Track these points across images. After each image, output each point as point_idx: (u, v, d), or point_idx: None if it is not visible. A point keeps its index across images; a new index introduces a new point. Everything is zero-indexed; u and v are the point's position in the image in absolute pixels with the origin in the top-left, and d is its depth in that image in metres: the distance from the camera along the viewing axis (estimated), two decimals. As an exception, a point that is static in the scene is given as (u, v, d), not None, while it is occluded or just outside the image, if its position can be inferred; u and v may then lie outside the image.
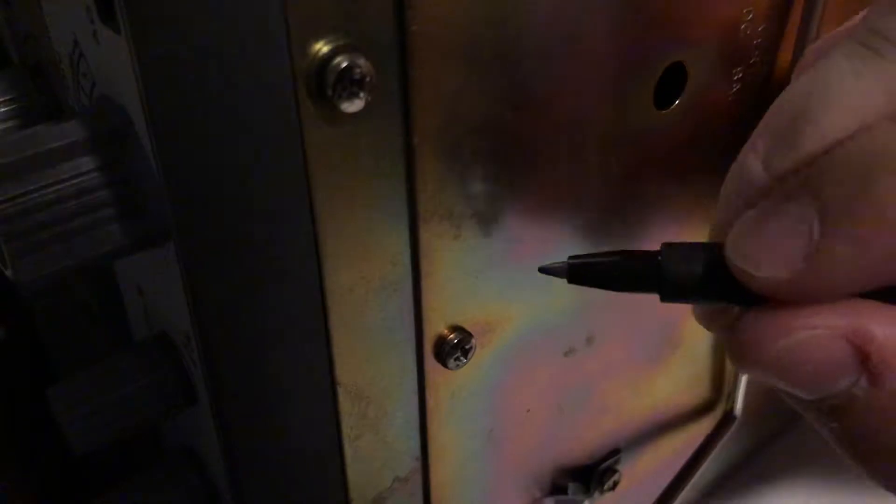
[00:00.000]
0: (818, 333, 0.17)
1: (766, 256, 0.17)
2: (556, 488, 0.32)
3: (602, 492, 0.33)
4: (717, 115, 0.27)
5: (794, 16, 0.27)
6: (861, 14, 0.22)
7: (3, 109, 0.27)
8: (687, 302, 0.20)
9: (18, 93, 0.27)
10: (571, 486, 0.33)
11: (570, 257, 0.21)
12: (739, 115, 0.28)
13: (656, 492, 0.37)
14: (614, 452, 0.34)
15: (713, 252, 0.18)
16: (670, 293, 0.19)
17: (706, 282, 0.19)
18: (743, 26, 0.26)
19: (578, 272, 0.20)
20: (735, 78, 0.27)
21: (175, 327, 0.23)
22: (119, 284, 0.28)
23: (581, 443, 0.32)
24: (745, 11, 0.26)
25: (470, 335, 0.25)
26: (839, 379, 0.17)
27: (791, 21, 0.27)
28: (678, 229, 0.29)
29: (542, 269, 0.22)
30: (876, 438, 0.18)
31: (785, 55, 0.28)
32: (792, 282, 0.17)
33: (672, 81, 0.25)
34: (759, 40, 0.27)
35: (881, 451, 0.18)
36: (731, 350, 0.19)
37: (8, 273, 0.20)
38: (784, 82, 0.28)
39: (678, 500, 0.37)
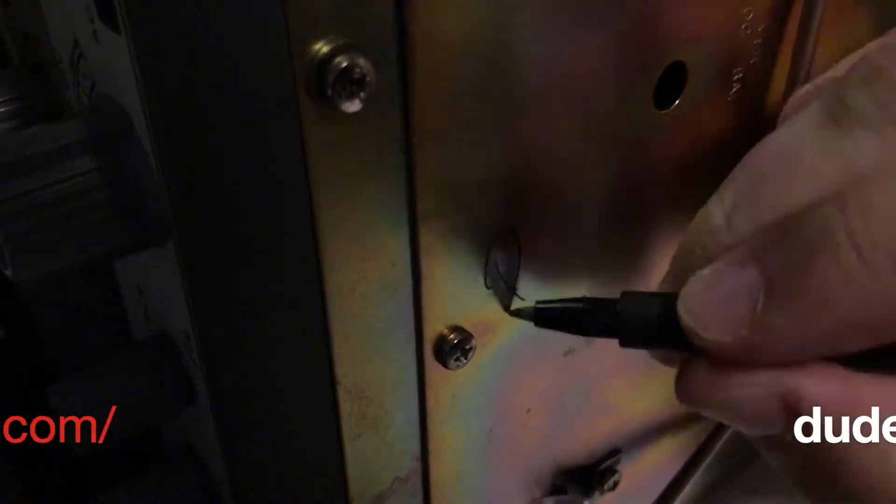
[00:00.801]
0: (752, 392, 0.19)
1: (713, 320, 0.19)
2: (556, 488, 0.32)
3: (602, 492, 0.33)
4: (717, 115, 0.27)
5: (794, 16, 0.27)
6: (852, 59, 0.24)
7: (3, 109, 0.27)
8: (644, 348, 0.22)
9: (18, 93, 0.27)
10: (571, 486, 0.33)
11: (538, 302, 0.22)
12: (739, 115, 0.28)
13: (656, 492, 0.37)
14: (614, 452, 0.34)
15: (668, 304, 0.20)
16: (628, 340, 0.21)
17: (660, 331, 0.20)
18: (743, 26, 0.26)
19: (544, 317, 0.22)
20: (735, 78, 0.27)
21: (175, 327, 0.23)
22: (119, 284, 0.28)
23: (581, 443, 0.32)
24: (745, 11, 0.26)
25: (470, 335, 0.25)
26: (772, 427, 0.19)
27: (791, 21, 0.27)
28: (678, 229, 0.29)
29: (512, 313, 0.25)
30: (807, 475, 0.19)
31: (785, 55, 0.28)
32: (735, 347, 0.18)
33: (672, 81, 0.25)
34: (759, 40, 0.27)
35: (812, 485, 0.19)
36: (676, 391, 0.20)
37: (8, 273, 0.20)
38: (784, 82, 0.28)
39: (678, 500, 0.37)
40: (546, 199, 0.25)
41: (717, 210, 0.20)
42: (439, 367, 0.25)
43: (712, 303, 0.19)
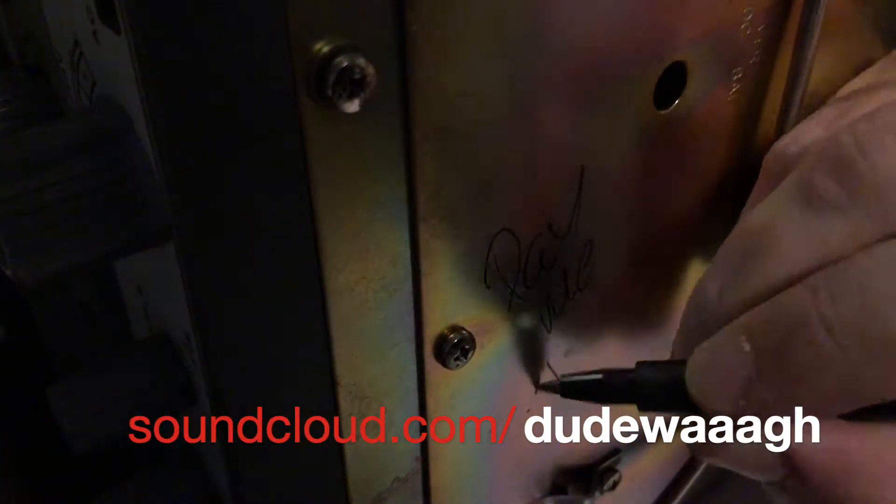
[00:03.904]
0: (752, 447, 0.21)
1: (715, 394, 0.21)
2: (556, 488, 0.32)
3: (602, 492, 0.33)
4: (717, 115, 0.27)
5: (794, 16, 0.27)
6: (844, 91, 0.27)
7: (3, 109, 0.27)
8: (659, 413, 0.26)
9: (18, 93, 0.27)
10: (571, 486, 0.33)
11: (562, 376, 0.26)
12: (739, 115, 0.28)
13: (656, 492, 0.37)
14: (614, 452, 0.34)
15: (679, 374, 0.22)
16: (646, 407, 0.24)
17: (674, 399, 0.23)
18: (743, 26, 0.26)
19: (569, 388, 0.26)
20: (735, 78, 0.27)
21: (175, 327, 0.23)
22: (119, 284, 0.28)
23: (581, 443, 0.32)
24: (745, 11, 0.26)
25: (470, 335, 0.25)
26: (774, 474, 0.21)
27: (791, 21, 0.27)
28: (678, 229, 0.29)
29: (540, 387, 0.28)
30: None
31: (785, 55, 0.28)
32: (737, 415, 0.21)
33: (672, 81, 0.25)
34: (759, 40, 0.27)
35: None
36: (689, 446, 0.23)
37: (8, 273, 0.20)
38: (784, 82, 0.28)
39: (678, 501, 0.37)
40: (546, 198, 0.25)
41: (710, 286, 0.23)
42: (439, 367, 0.25)
43: (713, 379, 0.21)
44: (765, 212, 0.22)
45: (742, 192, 0.30)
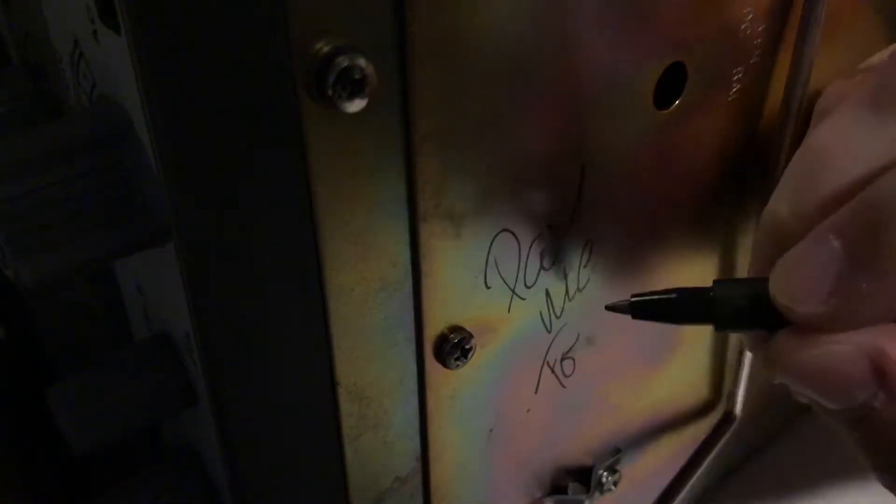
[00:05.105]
0: (841, 349, 0.19)
1: (804, 294, 0.20)
2: (556, 488, 0.32)
3: (602, 492, 0.33)
4: (717, 115, 0.27)
5: (794, 16, 0.27)
6: (879, 56, 0.26)
7: (2, 109, 0.27)
8: (737, 332, 0.23)
9: (18, 93, 0.27)
10: (571, 486, 0.33)
11: (633, 295, 0.23)
12: (739, 115, 0.28)
13: (656, 492, 0.37)
14: (614, 452, 0.34)
15: (758, 288, 0.21)
16: (723, 325, 0.22)
17: (754, 314, 0.21)
18: (743, 26, 0.26)
19: (641, 308, 0.23)
20: (735, 78, 0.27)
21: (175, 327, 0.23)
22: (119, 284, 0.28)
23: (581, 443, 0.32)
24: (745, 11, 0.26)
25: (470, 335, 0.25)
26: (859, 390, 0.19)
27: (791, 21, 0.27)
28: (678, 229, 0.29)
29: (608, 307, 0.25)
30: (892, 450, 0.20)
31: (785, 55, 0.28)
32: (827, 314, 0.19)
33: (672, 81, 0.25)
34: (759, 40, 0.27)
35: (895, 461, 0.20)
36: (766, 359, 0.21)
37: (8, 273, 0.20)
38: (784, 82, 0.28)
39: (678, 501, 0.37)
40: (546, 198, 0.25)
41: (779, 206, 0.22)
42: (439, 367, 0.25)
43: (801, 278, 0.20)
44: (833, 124, 0.21)
45: (742, 192, 0.30)
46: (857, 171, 0.20)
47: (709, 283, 0.22)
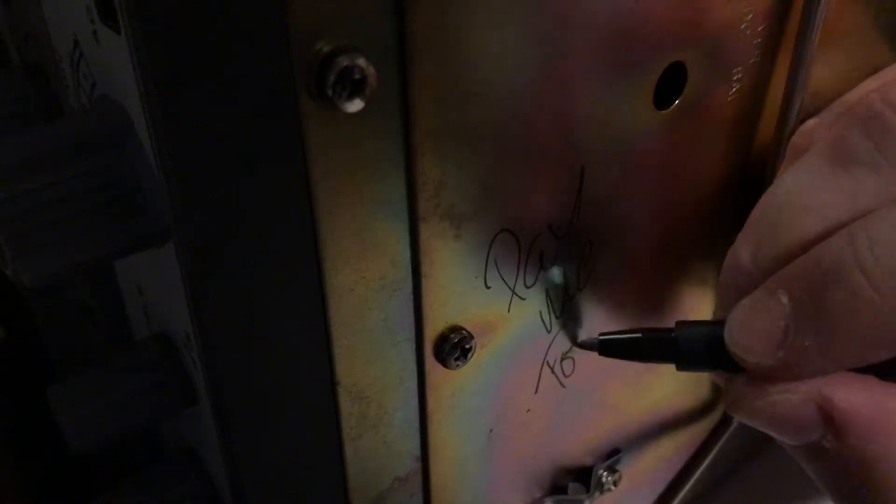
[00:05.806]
0: (790, 398, 0.21)
1: (754, 347, 0.21)
2: (556, 488, 0.32)
3: (602, 492, 0.33)
4: (717, 115, 0.27)
5: (794, 16, 0.27)
6: (859, 89, 0.28)
7: (3, 109, 0.27)
8: (697, 371, 0.25)
9: (18, 93, 0.27)
10: (571, 486, 0.33)
11: (601, 333, 0.26)
12: (739, 115, 0.28)
13: (656, 492, 0.37)
14: (614, 452, 0.34)
15: (719, 331, 0.22)
16: (685, 365, 0.24)
17: (713, 356, 0.23)
18: (743, 26, 0.26)
19: (608, 346, 0.25)
20: (735, 78, 0.27)
21: (175, 327, 0.23)
22: (119, 284, 0.28)
23: (581, 443, 0.32)
24: (745, 11, 0.26)
25: (470, 335, 0.25)
26: (810, 432, 0.21)
27: (791, 21, 0.27)
28: (678, 229, 0.29)
29: (577, 345, 0.28)
30: (843, 481, 0.21)
31: (785, 55, 0.28)
32: (776, 367, 0.21)
33: (672, 81, 0.25)
34: (759, 40, 0.27)
35: (847, 492, 0.21)
36: (726, 403, 0.23)
37: (8, 273, 0.20)
38: (784, 82, 0.28)
39: (678, 501, 0.37)
40: (546, 199, 0.25)
41: (743, 250, 0.23)
42: (439, 367, 0.25)
43: (752, 332, 0.21)
44: (795, 176, 0.22)
45: (742, 192, 0.30)
46: (813, 228, 0.21)
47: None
